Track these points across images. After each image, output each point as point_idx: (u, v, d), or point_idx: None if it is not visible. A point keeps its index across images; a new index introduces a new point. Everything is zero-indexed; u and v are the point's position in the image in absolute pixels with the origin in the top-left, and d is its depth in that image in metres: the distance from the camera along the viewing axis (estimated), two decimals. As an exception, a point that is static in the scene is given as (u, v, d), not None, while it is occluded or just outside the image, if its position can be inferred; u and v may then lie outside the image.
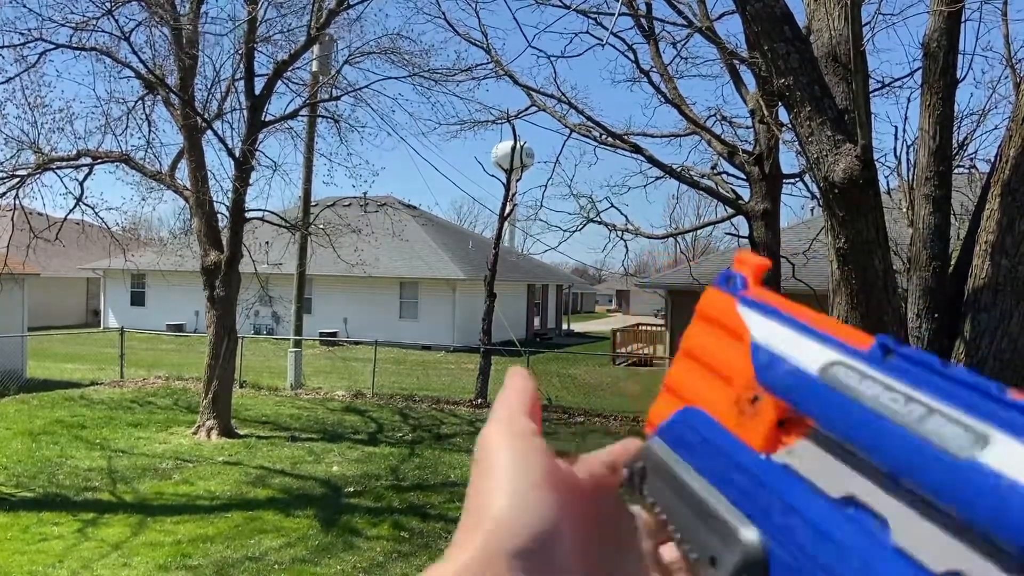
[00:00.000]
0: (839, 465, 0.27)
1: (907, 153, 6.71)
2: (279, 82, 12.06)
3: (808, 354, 0.29)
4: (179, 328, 30.23)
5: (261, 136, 12.02)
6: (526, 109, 15.72)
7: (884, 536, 0.25)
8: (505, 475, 0.33)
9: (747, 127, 15.52)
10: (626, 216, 16.69)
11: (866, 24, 6.89)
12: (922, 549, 0.24)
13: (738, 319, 0.32)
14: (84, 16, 10.51)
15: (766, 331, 0.30)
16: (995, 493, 0.22)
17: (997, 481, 0.22)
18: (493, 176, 17.09)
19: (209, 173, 11.80)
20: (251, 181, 12.06)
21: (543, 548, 0.31)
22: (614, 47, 14.87)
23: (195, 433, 11.57)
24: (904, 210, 5.95)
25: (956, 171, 5.73)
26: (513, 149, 16.37)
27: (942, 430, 0.24)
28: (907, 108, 10.44)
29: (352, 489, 9.00)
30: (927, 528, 0.24)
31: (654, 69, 15.10)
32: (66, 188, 12.03)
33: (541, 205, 17.98)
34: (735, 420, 0.31)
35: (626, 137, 15.59)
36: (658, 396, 0.36)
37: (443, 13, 13.83)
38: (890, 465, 0.26)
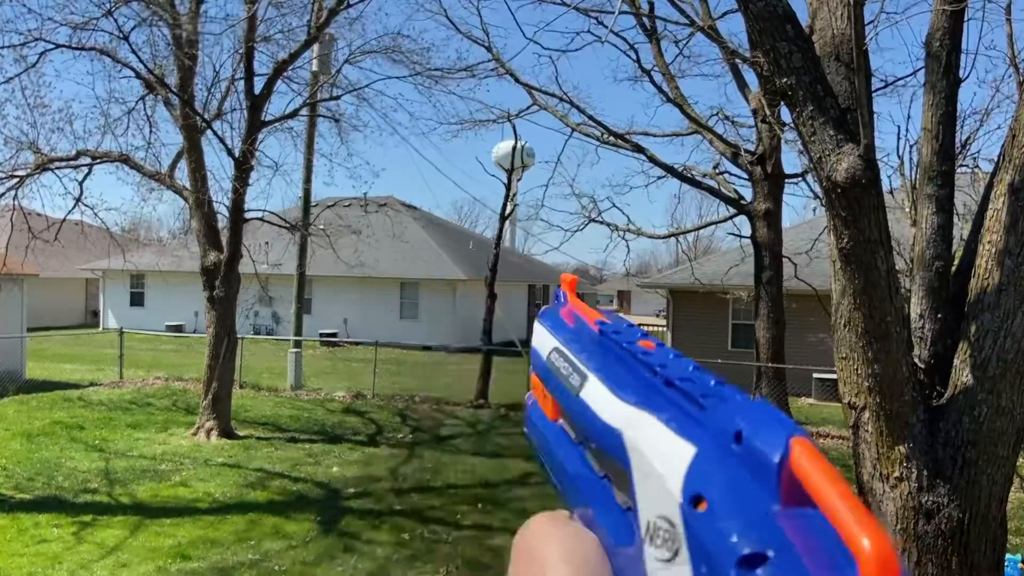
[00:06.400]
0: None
1: (910, 153, 6.69)
2: (279, 81, 12.04)
3: (547, 346, 0.41)
4: (178, 329, 30.19)
5: (261, 136, 11.99)
6: (527, 108, 15.70)
7: (586, 461, 0.35)
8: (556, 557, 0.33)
9: (749, 127, 15.51)
10: (628, 216, 16.71)
11: (869, 23, 6.84)
12: (594, 462, 0.35)
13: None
14: (84, 16, 10.49)
15: (539, 336, 0.42)
16: (584, 415, 0.34)
17: (584, 405, 0.34)
18: (494, 176, 17.03)
19: (209, 173, 11.78)
20: (251, 181, 12.04)
21: None
22: (615, 46, 14.86)
23: (194, 434, 11.54)
24: (907, 210, 5.92)
25: (959, 171, 5.70)
26: (514, 149, 16.31)
27: (571, 379, 0.36)
28: (910, 107, 10.43)
29: (352, 491, 8.97)
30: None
31: (656, 68, 15.08)
32: (65, 188, 12.05)
33: (542, 205, 18.03)
34: (542, 400, 0.41)
35: (628, 136, 15.57)
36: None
37: (444, 10, 13.82)
38: (566, 408, 0.37)
